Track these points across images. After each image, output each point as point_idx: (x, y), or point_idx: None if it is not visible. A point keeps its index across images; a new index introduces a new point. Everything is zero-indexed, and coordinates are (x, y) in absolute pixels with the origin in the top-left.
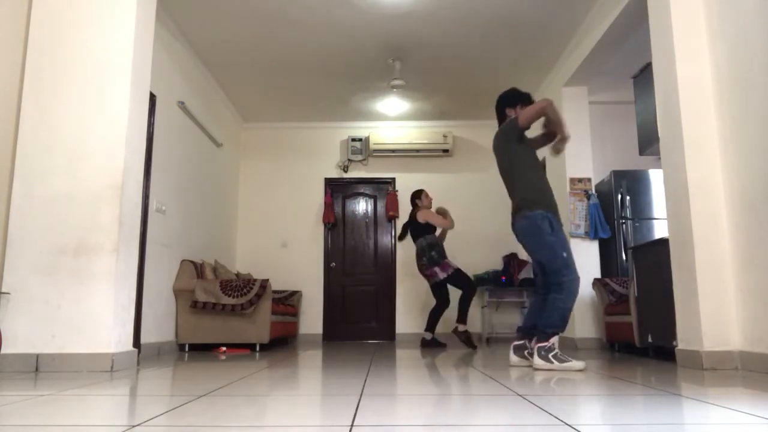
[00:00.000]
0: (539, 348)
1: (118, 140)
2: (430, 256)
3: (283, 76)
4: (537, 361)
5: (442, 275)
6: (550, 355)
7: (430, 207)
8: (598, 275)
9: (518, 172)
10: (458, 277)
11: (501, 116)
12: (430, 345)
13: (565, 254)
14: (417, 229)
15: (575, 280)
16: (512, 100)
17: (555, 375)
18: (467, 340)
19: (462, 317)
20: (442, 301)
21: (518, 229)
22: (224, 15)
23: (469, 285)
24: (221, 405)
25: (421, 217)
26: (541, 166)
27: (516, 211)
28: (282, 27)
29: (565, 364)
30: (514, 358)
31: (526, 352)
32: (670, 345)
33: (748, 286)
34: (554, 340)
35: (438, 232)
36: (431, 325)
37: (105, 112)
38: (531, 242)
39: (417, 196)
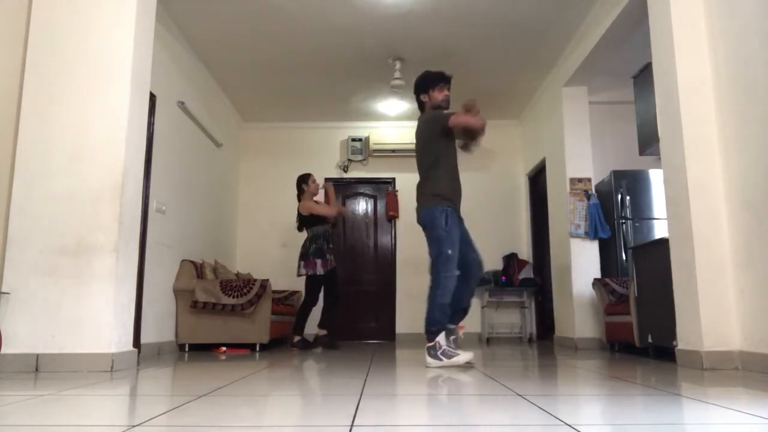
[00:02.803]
0: (428, 348)
1: (118, 140)
2: (304, 249)
3: (283, 76)
4: (428, 360)
5: (302, 271)
6: (439, 353)
7: (317, 193)
8: (598, 275)
9: (435, 165)
10: (310, 281)
11: (419, 103)
12: (300, 346)
13: (450, 251)
14: (304, 220)
15: (451, 278)
16: (424, 86)
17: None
18: (306, 345)
19: (296, 328)
20: (308, 299)
21: (421, 219)
22: (224, 15)
23: (309, 297)
24: (221, 405)
25: (303, 209)
26: (454, 163)
27: (422, 202)
28: (282, 27)
29: (453, 359)
30: (429, 360)
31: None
32: (670, 345)
33: (748, 286)
34: (440, 337)
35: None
36: (299, 327)
37: (105, 112)
38: (426, 230)
39: (303, 180)
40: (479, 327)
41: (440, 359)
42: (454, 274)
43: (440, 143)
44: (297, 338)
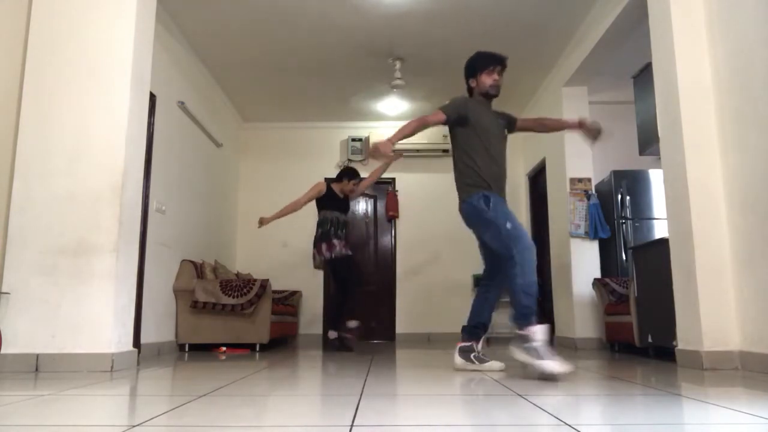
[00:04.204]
0: (524, 348)
1: (118, 140)
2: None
3: (283, 76)
4: (518, 355)
5: (314, 262)
6: (528, 347)
7: (350, 193)
8: (598, 275)
9: (459, 156)
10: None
11: (468, 89)
12: (335, 345)
13: (509, 225)
14: (317, 202)
15: (526, 249)
16: (473, 68)
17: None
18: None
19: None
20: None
21: (463, 215)
22: (224, 15)
23: (335, 285)
24: (221, 405)
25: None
26: (484, 146)
27: (459, 197)
28: (282, 27)
29: (540, 362)
30: (458, 360)
31: (472, 356)
32: (670, 345)
33: (748, 286)
34: (536, 330)
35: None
36: (335, 322)
37: (105, 112)
38: (474, 225)
39: (347, 174)
40: (523, 341)
41: (529, 355)
42: (528, 245)
43: (455, 132)
44: (333, 335)
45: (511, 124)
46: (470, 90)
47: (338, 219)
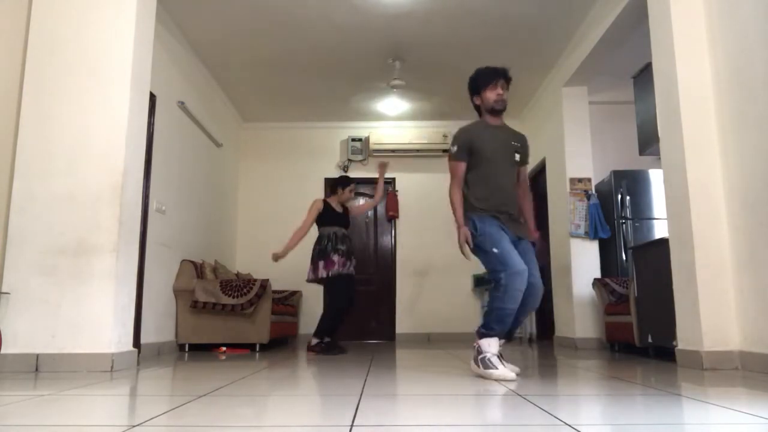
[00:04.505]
0: (477, 360)
1: (118, 140)
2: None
3: (283, 76)
4: (471, 363)
5: (308, 276)
6: (479, 358)
7: (348, 200)
8: (598, 275)
9: (467, 182)
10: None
11: (475, 107)
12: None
13: (495, 250)
14: (317, 219)
15: (515, 274)
16: (475, 87)
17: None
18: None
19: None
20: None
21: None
22: (224, 15)
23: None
24: (221, 405)
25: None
26: (486, 173)
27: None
28: (282, 27)
29: (488, 371)
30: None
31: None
32: (670, 345)
33: (748, 286)
34: (485, 343)
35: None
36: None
37: (105, 112)
38: (473, 250)
39: (340, 183)
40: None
41: (478, 366)
42: (516, 270)
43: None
44: (314, 341)
45: (524, 157)
46: (477, 108)
47: (336, 234)
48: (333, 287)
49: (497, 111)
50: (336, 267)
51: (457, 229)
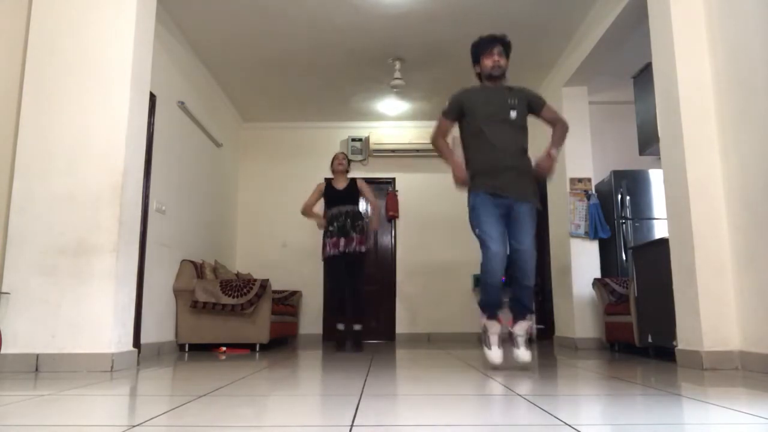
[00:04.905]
0: (482, 336)
1: (118, 140)
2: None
3: (283, 76)
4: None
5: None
6: (482, 336)
7: (338, 172)
8: (598, 275)
9: (464, 150)
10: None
11: (477, 76)
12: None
13: (477, 230)
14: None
15: (487, 256)
16: (475, 56)
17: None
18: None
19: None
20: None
21: None
22: (224, 15)
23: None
24: (221, 405)
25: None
26: (480, 134)
27: None
28: (282, 27)
29: (484, 349)
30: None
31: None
32: (670, 345)
33: (748, 286)
34: (488, 323)
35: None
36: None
37: (105, 112)
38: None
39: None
40: (479, 327)
41: (483, 345)
42: (491, 253)
43: (461, 126)
44: (341, 326)
45: (532, 105)
46: (478, 76)
47: (340, 212)
48: (327, 270)
49: (494, 77)
50: (328, 249)
51: (452, 170)
